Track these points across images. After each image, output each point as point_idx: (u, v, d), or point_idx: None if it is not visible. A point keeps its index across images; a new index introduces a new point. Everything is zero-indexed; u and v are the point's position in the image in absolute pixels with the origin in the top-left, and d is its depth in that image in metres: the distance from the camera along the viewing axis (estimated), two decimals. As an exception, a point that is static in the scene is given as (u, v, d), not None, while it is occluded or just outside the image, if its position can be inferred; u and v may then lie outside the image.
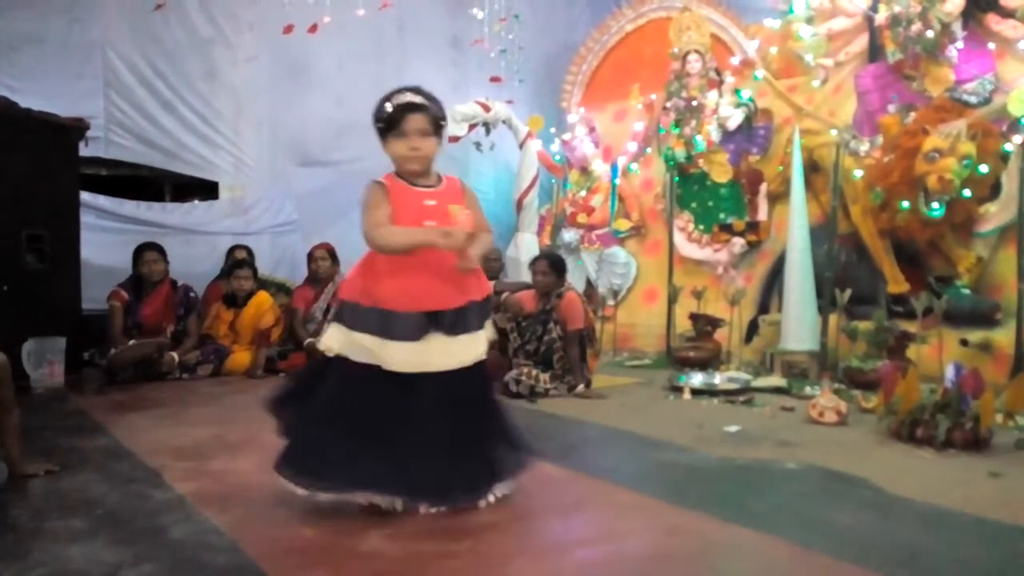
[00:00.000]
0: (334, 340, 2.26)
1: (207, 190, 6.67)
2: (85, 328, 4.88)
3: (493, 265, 6.57)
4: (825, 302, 4.75)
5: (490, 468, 2.31)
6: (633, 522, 2.20)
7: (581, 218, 6.88)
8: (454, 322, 2.26)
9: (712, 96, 6.14)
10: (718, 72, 6.27)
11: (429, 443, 2.21)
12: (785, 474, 2.72)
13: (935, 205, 4.51)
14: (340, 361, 2.25)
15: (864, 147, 5.13)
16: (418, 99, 2.30)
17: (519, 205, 7.15)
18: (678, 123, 6.28)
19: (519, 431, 2.43)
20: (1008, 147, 4.49)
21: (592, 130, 6.95)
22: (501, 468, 2.32)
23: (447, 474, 2.21)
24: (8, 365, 2.54)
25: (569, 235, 6.91)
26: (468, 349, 2.30)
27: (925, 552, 1.95)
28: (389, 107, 2.28)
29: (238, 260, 5.54)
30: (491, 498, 2.28)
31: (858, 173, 5.04)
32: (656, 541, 2.05)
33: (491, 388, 2.49)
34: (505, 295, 4.71)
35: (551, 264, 4.53)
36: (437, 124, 2.33)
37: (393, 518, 2.18)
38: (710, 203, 6.20)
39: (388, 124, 2.29)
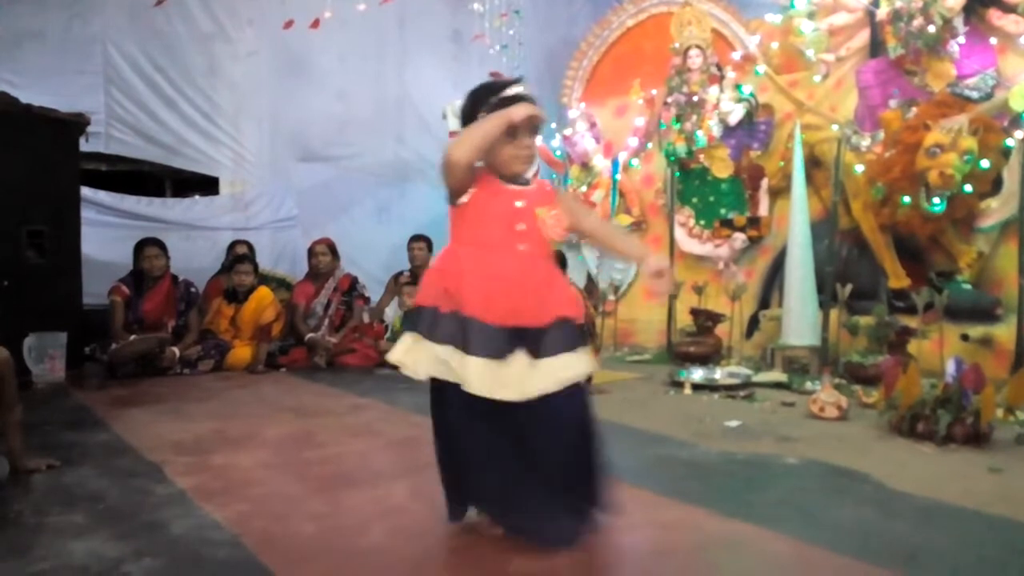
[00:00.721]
0: (406, 353, 1.98)
1: (208, 185, 6.68)
2: (86, 323, 4.89)
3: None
4: (826, 297, 4.75)
5: (575, 509, 2.01)
6: (633, 517, 2.19)
7: (582, 213, 6.86)
8: (538, 342, 1.94)
9: (713, 91, 6.13)
10: (719, 67, 6.26)
11: (518, 475, 1.97)
12: (786, 469, 2.72)
13: (936, 200, 4.51)
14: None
15: (865, 142, 5.13)
16: (527, 92, 2.01)
17: (520, 200, 7.15)
18: (679, 118, 6.27)
19: (601, 479, 2.05)
20: (1009, 142, 4.49)
21: (593, 125, 6.94)
22: (582, 511, 2.02)
23: (538, 512, 1.96)
24: (11, 360, 2.54)
25: (570, 230, 6.90)
26: (551, 375, 1.94)
27: (925, 547, 1.95)
28: (497, 99, 1.99)
29: (239, 255, 5.54)
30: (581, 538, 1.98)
31: (859, 168, 5.04)
32: (656, 536, 2.06)
33: (587, 418, 2.07)
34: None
35: (551, 259, 4.53)
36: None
37: (395, 514, 2.19)
38: (711, 198, 6.19)
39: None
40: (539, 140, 2.20)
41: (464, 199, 2.02)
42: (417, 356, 1.96)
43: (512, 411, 1.91)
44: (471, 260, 1.98)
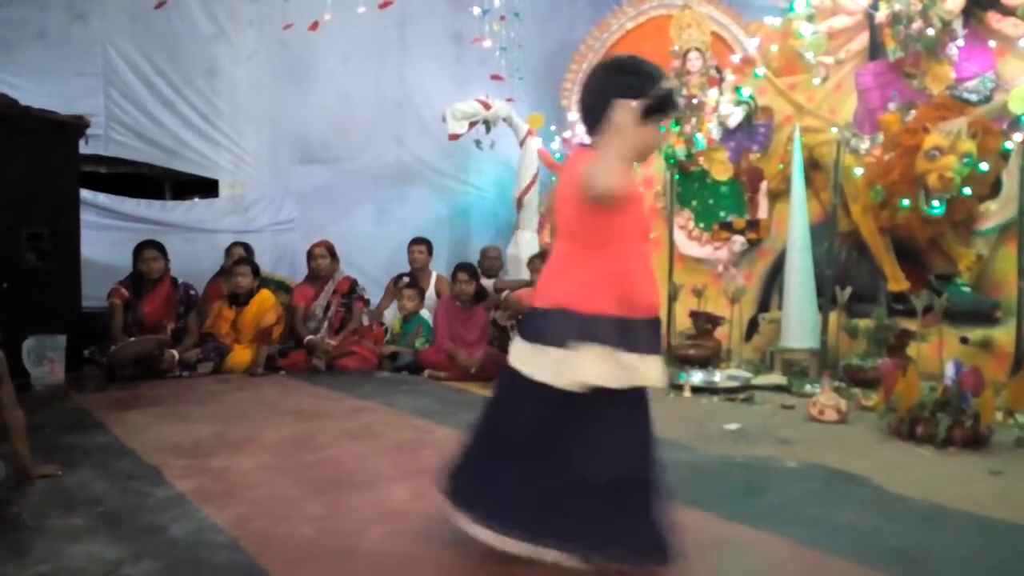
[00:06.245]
0: (596, 367, 1.80)
1: (207, 188, 6.66)
2: (85, 326, 4.87)
3: (493, 263, 6.57)
4: (825, 300, 4.75)
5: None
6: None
7: (581, 216, 6.86)
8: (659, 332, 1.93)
9: (712, 94, 6.13)
10: (718, 70, 6.26)
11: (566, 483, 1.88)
12: (785, 472, 2.72)
13: (935, 203, 4.51)
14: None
15: (864, 145, 5.13)
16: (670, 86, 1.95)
17: (519, 203, 7.14)
18: (678, 121, 6.27)
19: None
20: (1008, 145, 4.49)
21: (592, 128, 6.94)
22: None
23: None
24: (4, 361, 2.45)
25: (569, 233, 6.89)
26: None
27: (925, 550, 1.95)
28: (664, 89, 1.87)
29: (237, 259, 5.54)
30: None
31: (858, 171, 5.04)
32: (656, 539, 2.05)
33: None
34: (505, 293, 4.72)
35: (551, 262, 4.53)
36: None
37: (394, 517, 2.18)
38: (710, 201, 6.19)
39: (658, 107, 1.87)
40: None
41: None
42: (610, 370, 1.81)
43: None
44: (612, 257, 1.88)
